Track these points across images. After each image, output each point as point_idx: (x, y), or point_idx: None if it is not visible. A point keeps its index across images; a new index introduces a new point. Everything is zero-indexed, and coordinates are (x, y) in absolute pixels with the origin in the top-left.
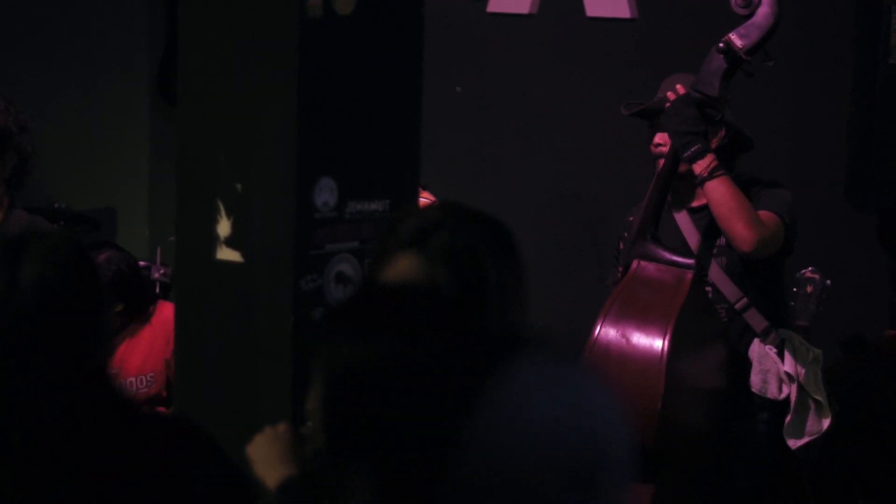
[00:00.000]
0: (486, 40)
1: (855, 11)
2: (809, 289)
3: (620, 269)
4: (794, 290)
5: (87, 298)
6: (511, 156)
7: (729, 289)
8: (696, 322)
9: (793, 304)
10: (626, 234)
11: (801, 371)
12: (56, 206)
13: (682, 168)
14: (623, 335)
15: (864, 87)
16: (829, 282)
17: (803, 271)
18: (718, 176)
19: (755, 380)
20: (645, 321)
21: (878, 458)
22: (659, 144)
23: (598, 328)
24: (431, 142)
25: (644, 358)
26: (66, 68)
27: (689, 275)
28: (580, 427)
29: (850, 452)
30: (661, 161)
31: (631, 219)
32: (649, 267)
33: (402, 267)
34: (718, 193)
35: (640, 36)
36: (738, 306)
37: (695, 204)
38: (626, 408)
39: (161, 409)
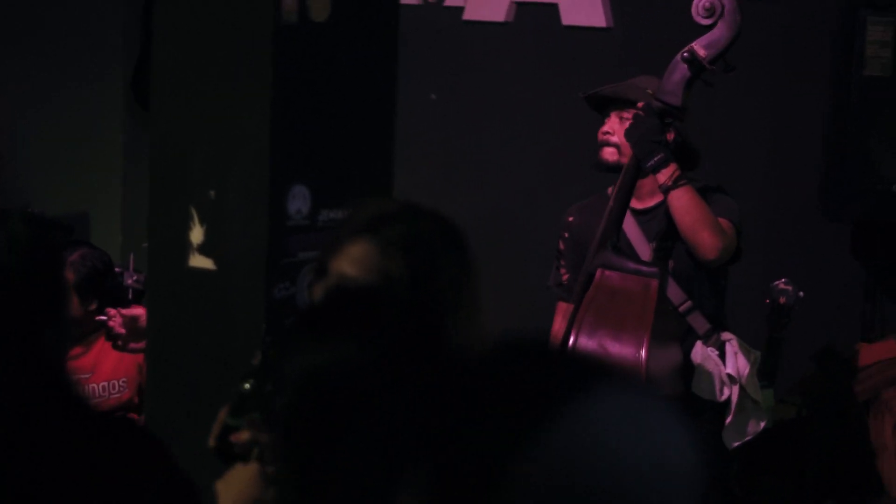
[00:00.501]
0: (461, 48)
1: (831, 23)
2: (783, 300)
3: (567, 268)
4: (767, 301)
5: (45, 286)
6: (486, 163)
7: (674, 292)
8: (661, 328)
9: (766, 315)
10: (566, 234)
11: (746, 372)
12: (29, 210)
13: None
14: (600, 346)
15: (840, 99)
16: (802, 294)
17: (776, 283)
18: (682, 185)
19: (698, 382)
20: (620, 331)
21: (849, 466)
22: (607, 133)
23: (573, 339)
24: (406, 149)
25: (623, 366)
26: (39, 72)
27: (655, 283)
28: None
29: (822, 460)
30: (605, 150)
31: (570, 219)
32: (613, 276)
33: (356, 253)
34: (683, 202)
35: (616, 44)
36: (682, 309)
37: (639, 206)
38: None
39: (133, 415)
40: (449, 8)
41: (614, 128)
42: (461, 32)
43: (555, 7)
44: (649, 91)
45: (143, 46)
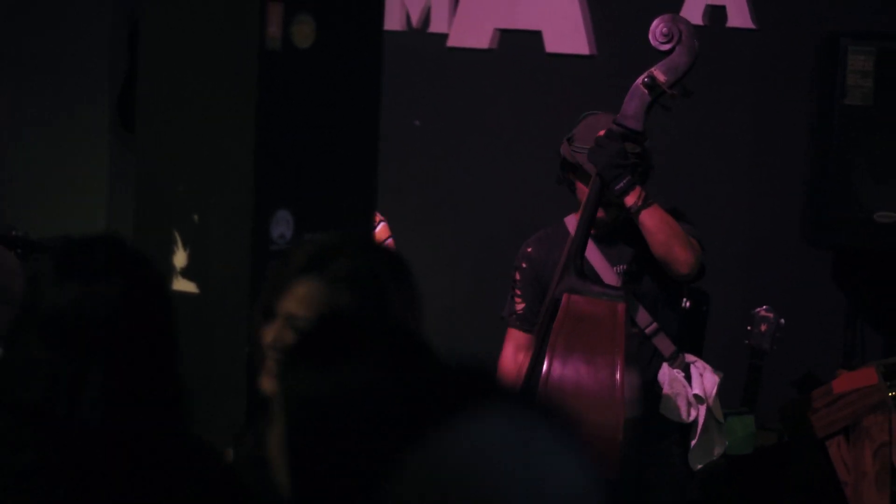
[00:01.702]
0: (445, 75)
1: (813, 52)
2: (763, 327)
3: (524, 296)
4: (749, 328)
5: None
6: (469, 190)
7: (640, 314)
8: (630, 350)
9: (747, 342)
10: (523, 265)
11: (713, 392)
12: (14, 233)
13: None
14: (576, 370)
15: (820, 127)
16: (782, 320)
17: (758, 310)
18: (651, 205)
19: (666, 403)
20: (594, 355)
21: (830, 493)
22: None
23: (547, 365)
24: (390, 175)
25: (601, 391)
26: (25, 95)
27: (622, 306)
28: (541, 490)
29: (803, 486)
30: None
31: (529, 249)
32: (580, 300)
33: (302, 293)
34: (654, 221)
35: (599, 72)
36: (647, 331)
37: (599, 232)
38: (588, 446)
39: None
40: (433, 35)
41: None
42: (445, 59)
43: (538, 34)
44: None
45: (129, 70)
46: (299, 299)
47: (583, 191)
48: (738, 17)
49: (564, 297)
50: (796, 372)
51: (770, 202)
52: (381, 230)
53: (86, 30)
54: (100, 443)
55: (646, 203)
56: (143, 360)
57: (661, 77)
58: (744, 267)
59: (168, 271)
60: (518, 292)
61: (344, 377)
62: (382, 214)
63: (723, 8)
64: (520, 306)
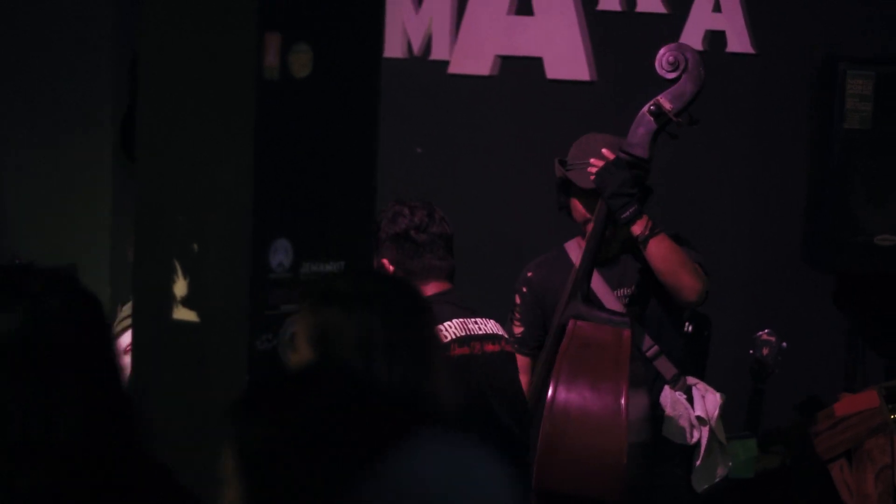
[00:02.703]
0: (446, 101)
1: (811, 77)
2: (765, 351)
3: (523, 321)
4: (751, 352)
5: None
6: (472, 217)
7: (641, 338)
8: (633, 374)
9: (750, 366)
10: (524, 289)
11: (715, 414)
12: (17, 262)
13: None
14: (581, 395)
15: (820, 151)
16: (784, 344)
17: (759, 333)
18: (658, 234)
19: (669, 426)
20: (598, 380)
21: None
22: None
23: (553, 390)
24: (390, 202)
25: (605, 415)
26: (28, 124)
27: (627, 332)
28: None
29: None
30: (589, 225)
31: (530, 274)
32: (586, 326)
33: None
34: (661, 250)
35: (600, 98)
36: (649, 354)
37: (600, 259)
38: (590, 467)
39: None
40: (434, 61)
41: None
42: (446, 86)
43: (539, 61)
44: (603, 151)
45: (131, 99)
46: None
47: (578, 209)
48: (738, 42)
49: (570, 323)
50: (798, 395)
51: (771, 226)
52: None
53: (87, 58)
54: (72, 467)
55: (653, 232)
56: (91, 381)
57: (666, 105)
58: (745, 290)
59: (169, 300)
60: (518, 316)
61: (295, 424)
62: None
63: (722, 33)
64: (518, 330)
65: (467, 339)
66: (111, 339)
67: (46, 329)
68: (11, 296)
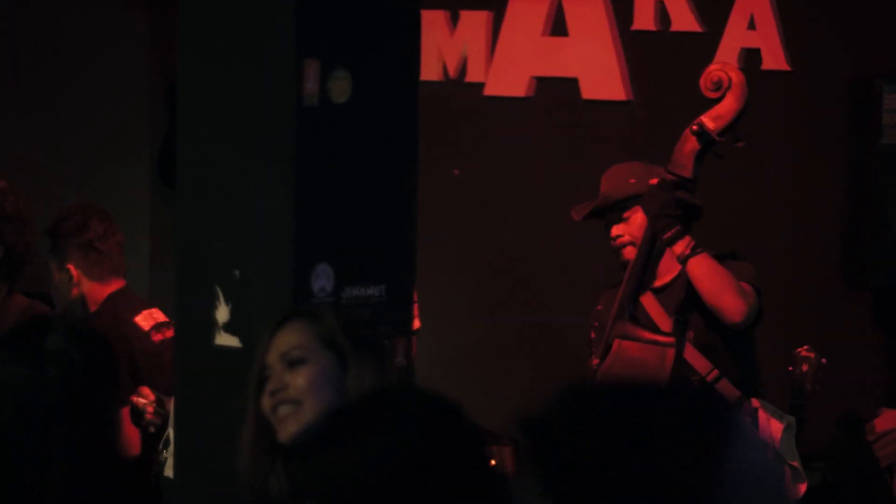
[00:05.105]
0: (482, 123)
1: (847, 92)
2: (805, 367)
3: (596, 352)
4: (790, 368)
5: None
6: (509, 238)
7: (699, 362)
8: None
9: (790, 382)
10: (596, 324)
11: (778, 437)
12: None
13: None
14: None
15: (858, 168)
16: (824, 360)
17: (799, 350)
18: (699, 253)
19: None
20: None
21: None
22: (619, 236)
23: None
24: (428, 223)
25: None
26: (67, 151)
27: (671, 352)
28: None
29: None
30: (625, 250)
31: (600, 307)
32: (632, 346)
33: (288, 332)
34: (702, 270)
35: (636, 118)
36: (709, 378)
37: (657, 284)
38: None
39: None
40: (470, 84)
41: (620, 230)
42: (482, 108)
43: (574, 81)
44: (632, 181)
45: (169, 126)
46: (287, 337)
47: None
48: (773, 59)
49: (616, 343)
50: (839, 411)
51: (809, 243)
52: None
53: (125, 86)
54: None
55: (693, 252)
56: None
57: (709, 124)
58: (784, 308)
59: (211, 326)
60: (593, 350)
61: (369, 447)
62: (422, 263)
63: (757, 51)
64: (595, 362)
65: None
66: (117, 397)
67: (61, 382)
68: (32, 348)
